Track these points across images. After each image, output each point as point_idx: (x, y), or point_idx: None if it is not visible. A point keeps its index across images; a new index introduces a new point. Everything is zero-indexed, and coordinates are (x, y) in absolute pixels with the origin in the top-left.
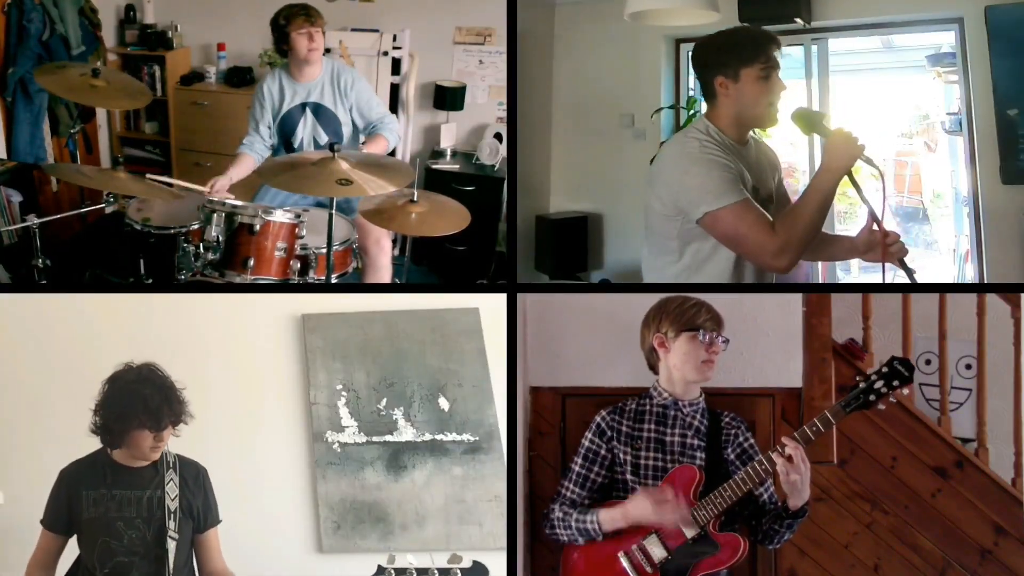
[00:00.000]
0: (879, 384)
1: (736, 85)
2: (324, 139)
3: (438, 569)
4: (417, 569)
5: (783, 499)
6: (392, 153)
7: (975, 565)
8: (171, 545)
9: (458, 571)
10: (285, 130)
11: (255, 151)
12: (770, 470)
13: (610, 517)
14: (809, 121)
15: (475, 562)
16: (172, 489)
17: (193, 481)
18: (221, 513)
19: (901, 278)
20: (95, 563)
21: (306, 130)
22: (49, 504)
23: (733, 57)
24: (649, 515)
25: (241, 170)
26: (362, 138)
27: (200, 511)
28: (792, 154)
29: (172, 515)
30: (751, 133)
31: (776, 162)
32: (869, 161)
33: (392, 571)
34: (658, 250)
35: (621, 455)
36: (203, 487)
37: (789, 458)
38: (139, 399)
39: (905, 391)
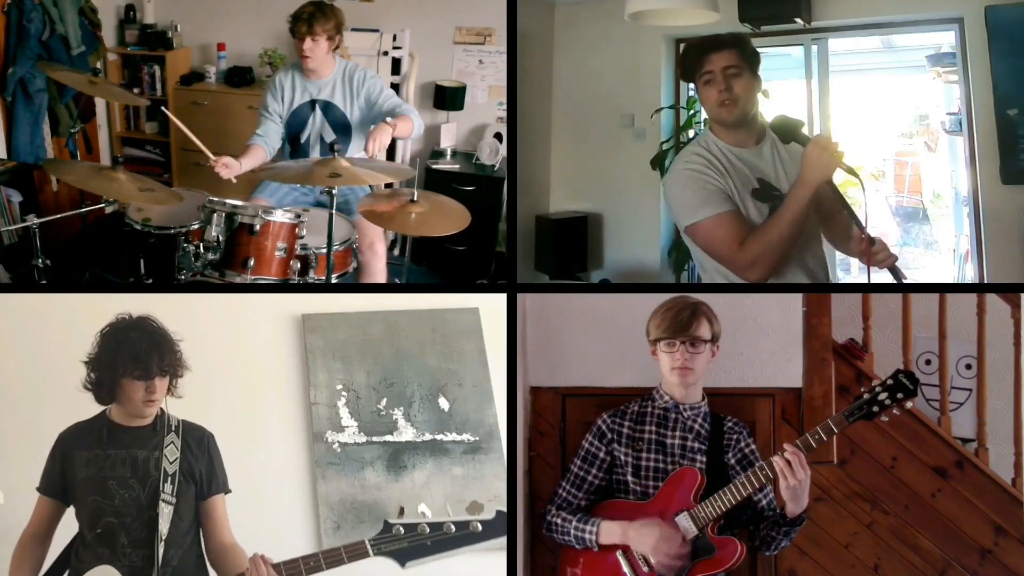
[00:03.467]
0: (883, 396)
1: (699, 96)
2: (331, 136)
3: (455, 522)
4: (430, 524)
5: (782, 505)
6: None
7: (975, 565)
8: (165, 509)
9: (478, 524)
10: (293, 126)
11: (267, 143)
12: (770, 476)
13: (608, 531)
14: (787, 129)
15: (499, 512)
16: (172, 452)
17: (196, 445)
18: None
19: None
20: (86, 525)
21: (314, 127)
22: (45, 468)
23: (686, 72)
24: (648, 547)
25: (252, 160)
26: (389, 119)
27: (203, 476)
28: None
29: (169, 478)
30: (770, 135)
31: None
32: (849, 170)
33: (400, 527)
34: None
35: (622, 457)
36: (207, 452)
37: (789, 464)
38: (127, 346)
39: (909, 404)
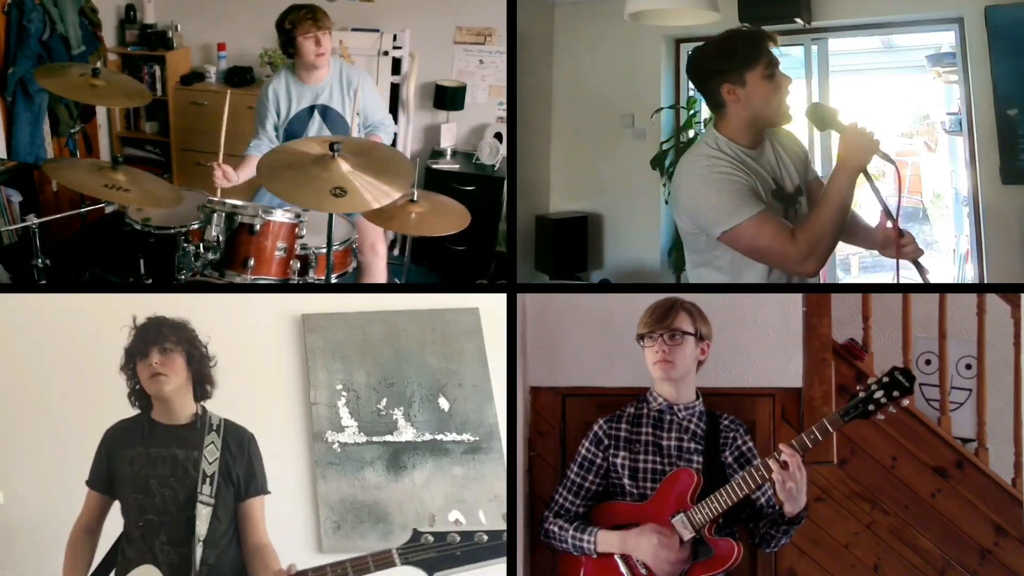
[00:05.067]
0: (879, 394)
1: (744, 90)
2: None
3: (487, 532)
4: (461, 533)
5: (780, 504)
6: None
7: (975, 565)
8: (202, 511)
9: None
10: (292, 133)
11: (262, 152)
12: (766, 475)
13: (606, 541)
14: (823, 117)
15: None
16: (212, 452)
17: (236, 446)
18: None
19: (913, 276)
20: (130, 522)
21: (313, 132)
22: (93, 463)
23: (734, 62)
24: (648, 555)
25: (248, 172)
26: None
27: (240, 478)
28: None
29: (208, 479)
30: (767, 135)
31: (802, 152)
32: (885, 156)
33: (429, 536)
34: (698, 259)
35: (619, 461)
36: (247, 453)
37: (785, 465)
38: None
39: (905, 402)
